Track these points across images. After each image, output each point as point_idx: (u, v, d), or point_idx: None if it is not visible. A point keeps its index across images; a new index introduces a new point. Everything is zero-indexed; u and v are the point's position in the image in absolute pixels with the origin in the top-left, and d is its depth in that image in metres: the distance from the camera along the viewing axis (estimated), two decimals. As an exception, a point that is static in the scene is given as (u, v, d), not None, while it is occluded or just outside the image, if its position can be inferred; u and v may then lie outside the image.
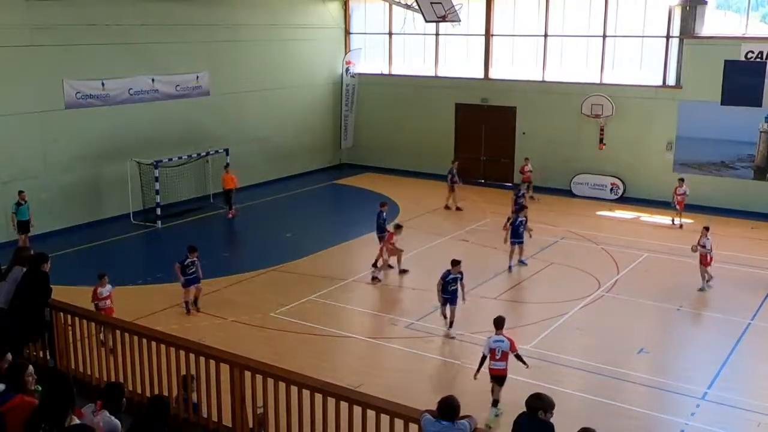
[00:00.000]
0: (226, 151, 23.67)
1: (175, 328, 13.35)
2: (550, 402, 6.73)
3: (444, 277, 14.26)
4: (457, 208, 23.56)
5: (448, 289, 14.29)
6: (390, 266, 17.92)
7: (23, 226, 18.51)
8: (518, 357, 11.44)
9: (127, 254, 20.14)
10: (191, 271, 15.19)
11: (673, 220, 21.94)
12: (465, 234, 20.35)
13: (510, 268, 18.04)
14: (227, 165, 23.10)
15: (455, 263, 14.31)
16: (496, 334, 11.39)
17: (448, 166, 27.70)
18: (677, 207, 21.66)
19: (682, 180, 21.96)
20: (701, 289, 16.64)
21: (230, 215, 22.75)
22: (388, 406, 7.15)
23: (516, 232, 18.04)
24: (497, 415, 11.08)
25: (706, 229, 16.85)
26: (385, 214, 18.28)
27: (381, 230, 17.96)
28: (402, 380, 12.44)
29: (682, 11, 23.60)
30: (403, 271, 17.73)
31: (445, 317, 14.49)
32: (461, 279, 14.39)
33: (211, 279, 17.06)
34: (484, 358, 11.29)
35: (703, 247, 16.59)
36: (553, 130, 25.92)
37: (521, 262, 18.25)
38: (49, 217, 20.22)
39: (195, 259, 15.26)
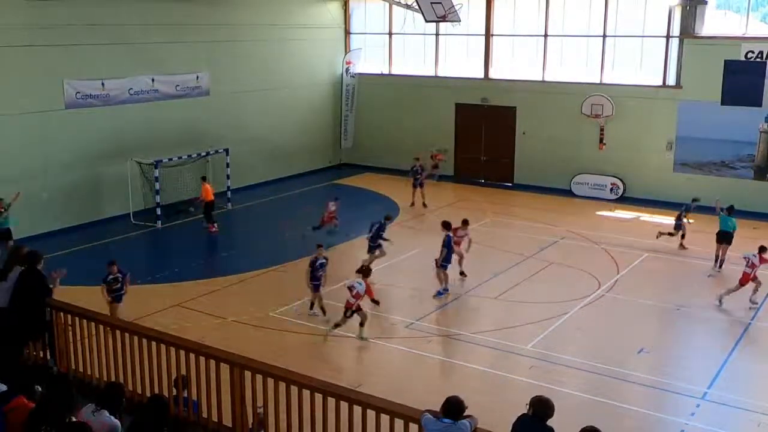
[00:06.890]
0: (226, 150, 23.66)
1: (175, 328, 13.33)
2: (553, 409, 6.78)
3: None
4: (424, 205, 23.82)
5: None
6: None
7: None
8: (374, 301, 14.84)
9: (127, 254, 20.10)
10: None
11: None
12: (465, 234, 20.29)
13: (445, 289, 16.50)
14: (203, 178, 21.96)
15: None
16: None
17: (448, 166, 27.82)
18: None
19: None
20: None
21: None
22: (388, 406, 7.13)
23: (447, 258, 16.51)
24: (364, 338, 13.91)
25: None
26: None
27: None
28: (402, 380, 12.43)
29: (682, 11, 23.59)
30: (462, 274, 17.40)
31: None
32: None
33: (211, 279, 17.09)
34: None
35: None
36: (553, 130, 25.91)
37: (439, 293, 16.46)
38: (49, 217, 20.23)
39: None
